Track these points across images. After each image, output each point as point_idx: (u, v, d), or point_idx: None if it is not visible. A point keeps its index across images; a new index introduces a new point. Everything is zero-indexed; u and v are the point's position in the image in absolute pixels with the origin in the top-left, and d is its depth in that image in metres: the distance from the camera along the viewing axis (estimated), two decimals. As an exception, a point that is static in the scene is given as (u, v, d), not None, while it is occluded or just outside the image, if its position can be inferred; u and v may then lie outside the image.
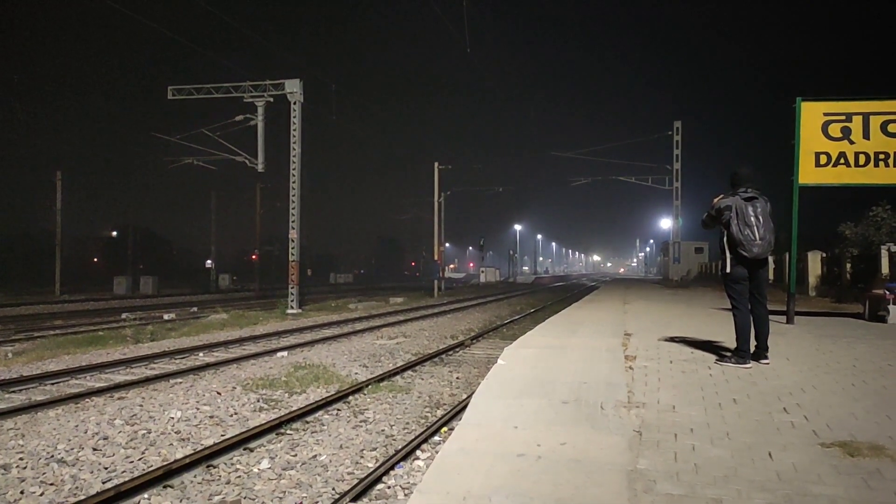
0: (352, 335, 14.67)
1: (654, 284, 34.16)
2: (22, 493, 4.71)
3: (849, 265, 19.14)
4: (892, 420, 4.01)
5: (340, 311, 22.43)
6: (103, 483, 4.90)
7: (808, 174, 9.36)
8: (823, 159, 9.28)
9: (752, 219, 5.59)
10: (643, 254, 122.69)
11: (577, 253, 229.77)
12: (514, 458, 3.38)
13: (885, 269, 16.09)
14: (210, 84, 22.66)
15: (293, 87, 21.78)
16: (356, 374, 9.63)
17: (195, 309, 24.04)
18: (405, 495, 4.60)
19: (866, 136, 9.13)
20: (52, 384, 8.77)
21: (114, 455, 5.56)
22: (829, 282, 20.48)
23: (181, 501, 4.55)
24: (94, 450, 5.70)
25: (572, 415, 4.19)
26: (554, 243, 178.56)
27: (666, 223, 47.04)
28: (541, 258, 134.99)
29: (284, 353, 11.54)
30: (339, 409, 7.26)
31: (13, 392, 8.23)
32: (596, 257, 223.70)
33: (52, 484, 4.89)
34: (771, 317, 6.10)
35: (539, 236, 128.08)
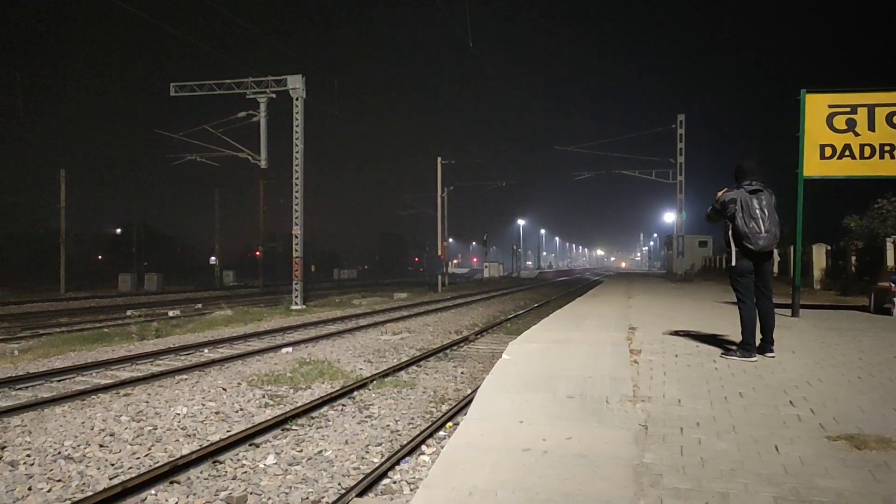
0: (356, 331, 14.69)
1: (657, 278, 34.09)
2: (30, 489, 4.73)
3: (854, 258, 19.07)
4: (898, 413, 3.99)
5: (344, 307, 22.46)
6: (110, 479, 4.92)
7: (813, 167, 9.31)
8: (828, 151, 9.23)
9: (758, 211, 5.56)
10: (647, 248, 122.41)
11: (580, 247, 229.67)
12: (519, 452, 3.37)
13: (890, 261, 16.02)
14: (212, 80, 22.66)
15: (295, 83, 21.76)
16: (361, 369, 9.64)
17: (200, 305, 24.12)
18: (411, 490, 4.61)
19: (871, 127, 9.07)
20: (59, 381, 8.81)
21: (120, 451, 5.58)
22: (834, 275, 20.42)
23: (188, 497, 4.57)
24: (101, 446, 5.72)
25: (578, 409, 4.19)
26: (557, 238, 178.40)
27: (669, 217, 46.94)
28: (544, 253, 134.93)
29: (289, 349, 11.56)
30: (344, 405, 7.27)
31: (20, 389, 8.27)
32: (599, 252, 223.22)
33: (59, 480, 4.91)
34: (776, 310, 6.07)
35: (542, 231, 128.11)
